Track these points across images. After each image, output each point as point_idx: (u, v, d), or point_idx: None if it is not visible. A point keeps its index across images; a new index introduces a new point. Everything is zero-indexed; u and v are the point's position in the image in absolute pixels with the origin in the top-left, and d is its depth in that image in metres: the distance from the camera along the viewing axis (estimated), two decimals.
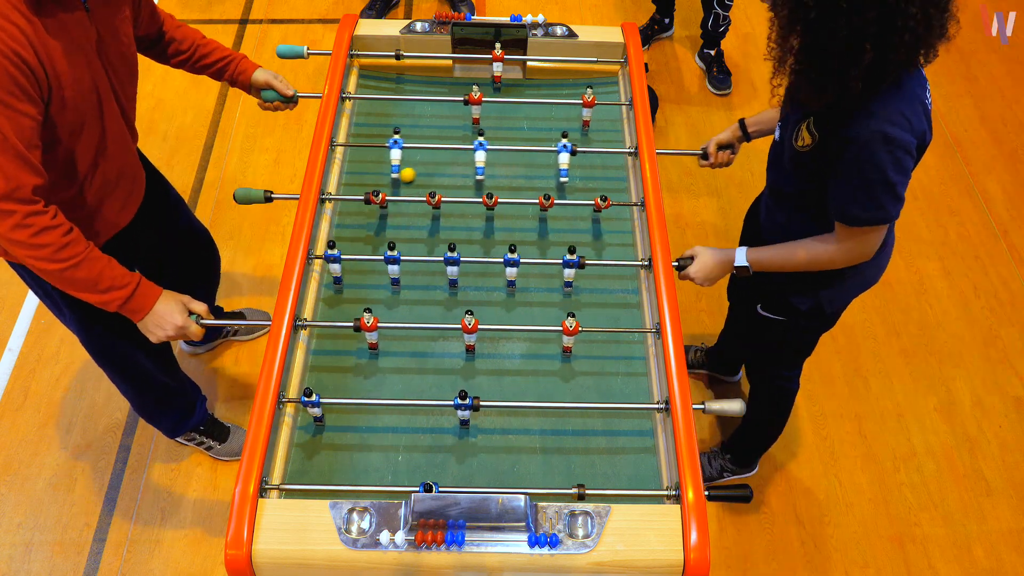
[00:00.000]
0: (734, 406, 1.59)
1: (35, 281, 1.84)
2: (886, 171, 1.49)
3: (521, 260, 1.78)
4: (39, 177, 1.46)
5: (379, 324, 1.68)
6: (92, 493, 2.43)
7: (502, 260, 1.79)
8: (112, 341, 2.02)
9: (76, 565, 2.30)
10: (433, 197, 1.88)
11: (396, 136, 2.00)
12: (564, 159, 2.00)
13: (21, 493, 2.42)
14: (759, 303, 2.00)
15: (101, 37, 1.61)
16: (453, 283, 1.85)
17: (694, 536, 1.37)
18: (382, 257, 1.79)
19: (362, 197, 1.89)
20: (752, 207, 2.13)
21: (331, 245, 1.76)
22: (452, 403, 1.56)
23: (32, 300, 2.84)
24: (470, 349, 1.75)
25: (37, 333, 2.76)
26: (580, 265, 1.78)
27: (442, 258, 1.78)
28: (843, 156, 1.51)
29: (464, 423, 1.63)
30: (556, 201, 1.90)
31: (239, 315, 2.81)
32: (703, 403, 1.60)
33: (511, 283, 1.84)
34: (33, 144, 1.45)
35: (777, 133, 1.78)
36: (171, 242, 2.23)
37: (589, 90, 2.10)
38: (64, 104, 1.52)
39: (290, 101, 2.10)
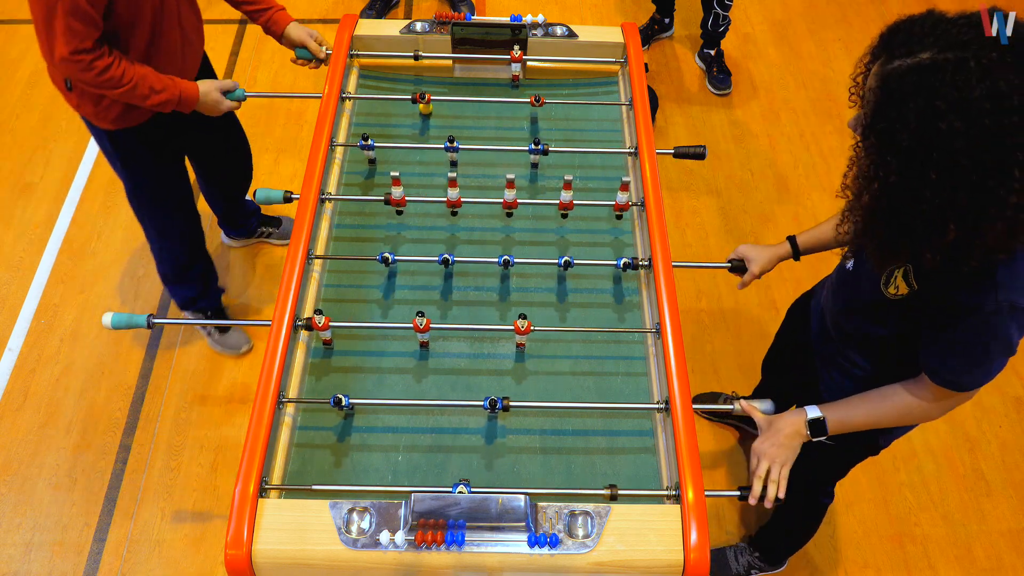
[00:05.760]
0: (765, 406, 1.59)
1: (100, 140, 2.18)
2: (1012, 340, 1.31)
3: (519, 261, 1.78)
4: (99, 30, 1.83)
5: (381, 325, 1.68)
6: (92, 493, 2.43)
7: (497, 261, 1.80)
8: (153, 203, 2.35)
9: (76, 565, 2.30)
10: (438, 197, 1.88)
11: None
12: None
13: (21, 493, 2.42)
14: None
15: None
16: (447, 282, 1.85)
17: (694, 536, 1.37)
18: (376, 258, 1.79)
19: (362, 197, 1.89)
20: (799, 304, 1.99)
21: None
22: (451, 402, 1.56)
23: (32, 300, 2.84)
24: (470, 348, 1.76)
25: (37, 333, 2.76)
26: (566, 266, 1.78)
27: (437, 258, 1.78)
28: (960, 323, 1.31)
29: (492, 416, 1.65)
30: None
31: (277, 220, 3.03)
32: (733, 402, 1.61)
33: (501, 283, 1.84)
34: (96, 3, 1.78)
35: (850, 264, 1.56)
36: (216, 131, 2.43)
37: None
38: None
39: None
